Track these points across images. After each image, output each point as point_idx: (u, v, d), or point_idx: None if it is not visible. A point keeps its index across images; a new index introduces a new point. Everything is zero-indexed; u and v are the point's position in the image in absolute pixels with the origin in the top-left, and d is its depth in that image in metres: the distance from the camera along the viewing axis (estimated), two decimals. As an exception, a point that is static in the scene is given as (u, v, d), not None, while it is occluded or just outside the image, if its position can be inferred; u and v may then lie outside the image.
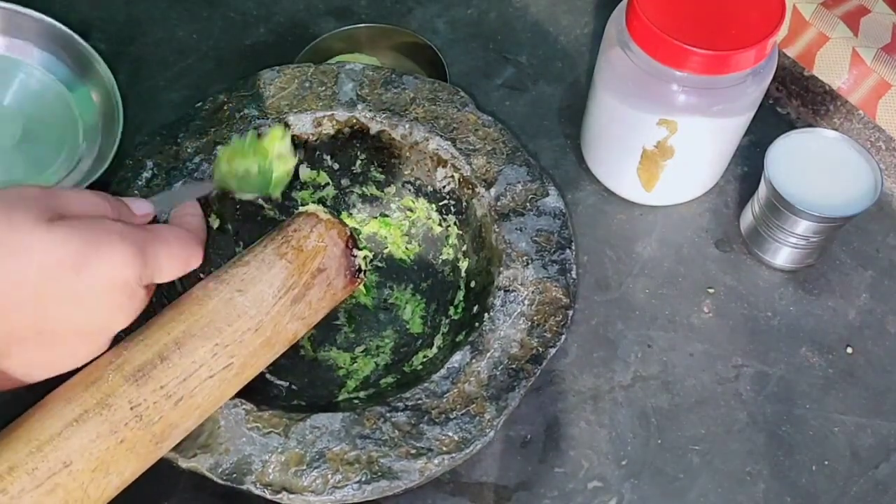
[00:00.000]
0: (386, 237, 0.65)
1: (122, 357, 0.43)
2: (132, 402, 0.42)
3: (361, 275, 0.52)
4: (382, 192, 0.65)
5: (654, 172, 0.65)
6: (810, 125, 0.72)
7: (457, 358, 0.51)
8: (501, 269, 0.55)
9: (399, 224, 0.65)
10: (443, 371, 0.50)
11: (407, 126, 0.61)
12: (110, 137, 0.66)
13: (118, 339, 0.50)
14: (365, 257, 0.53)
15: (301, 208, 0.52)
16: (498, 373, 0.50)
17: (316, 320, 0.50)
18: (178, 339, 0.44)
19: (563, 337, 0.52)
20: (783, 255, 0.64)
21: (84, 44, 0.68)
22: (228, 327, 0.45)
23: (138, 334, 0.44)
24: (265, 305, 0.47)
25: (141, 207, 0.47)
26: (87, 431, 0.40)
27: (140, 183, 0.57)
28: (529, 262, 0.55)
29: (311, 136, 0.62)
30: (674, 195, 0.68)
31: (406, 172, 0.63)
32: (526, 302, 0.53)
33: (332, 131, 0.62)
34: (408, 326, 0.61)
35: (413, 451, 0.47)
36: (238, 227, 0.63)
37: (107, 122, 0.67)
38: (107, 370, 0.42)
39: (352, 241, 0.52)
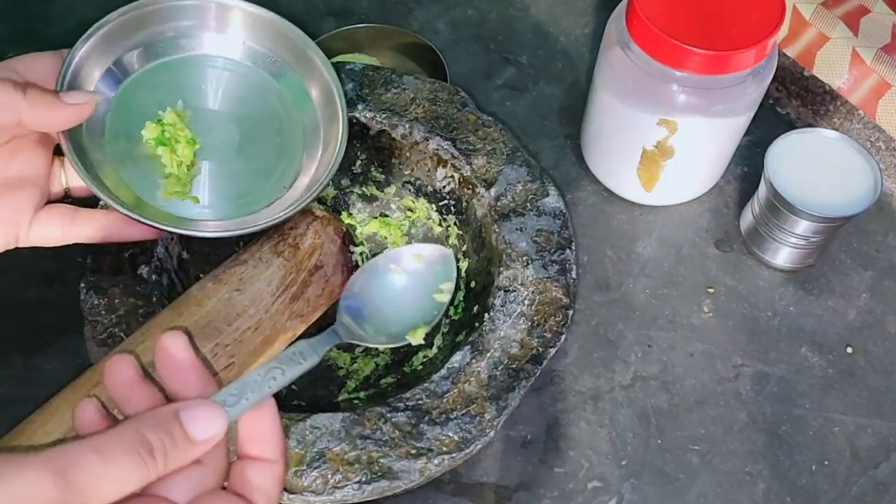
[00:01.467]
0: (386, 237, 0.65)
1: None
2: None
3: (355, 267, 0.52)
4: (382, 192, 0.65)
5: (654, 172, 0.65)
6: (810, 125, 0.72)
7: (457, 358, 0.51)
8: (501, 269, 0.55)
9: (399, 224, 0.65)
10: (443, 371, 0.50)
11: (407, 126, 0.61)
12: (331, 140, 0.54)
13: (118, 340, 0.50)
14: (362, 253, 0.53)
15: None
16: (498, 373, 0.50)
17: (314, 318, 0.50)
18: None
19: (564, 337, 0.52)
20: (783, 255, 0.64)
21: (299, 32, 0.55)
22: (228, 327, 0.45)
23: (139, 335, 0.44)
24: (264, 304, 0.47)
25: (206, 433, 0.34)
26: None
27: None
28: (529, 262, 0.55)
29: (311, 137, 0.62)
30: (674, 195, 0.68)
31: (406, 172, 0.63)
32: (526, 302, 0.53)
33: (332, 131, 0.62)
34: (408, 326, 0.61)
35: (413, 452, 0.47)
36: (238, 227, 0.63)
37: (327, 123, 0.55)
38: None
39: (348, 237, 0.52)
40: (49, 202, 0.49)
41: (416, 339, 0.49)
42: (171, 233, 0.48)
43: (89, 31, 0.49)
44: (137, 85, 0.51)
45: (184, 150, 0.50)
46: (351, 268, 0.52)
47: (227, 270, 0.48)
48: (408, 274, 0.50)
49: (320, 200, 0.65)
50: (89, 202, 0.50)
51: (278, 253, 0.48)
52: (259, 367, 0.45)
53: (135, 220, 0.46)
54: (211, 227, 0.49)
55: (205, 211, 0.50)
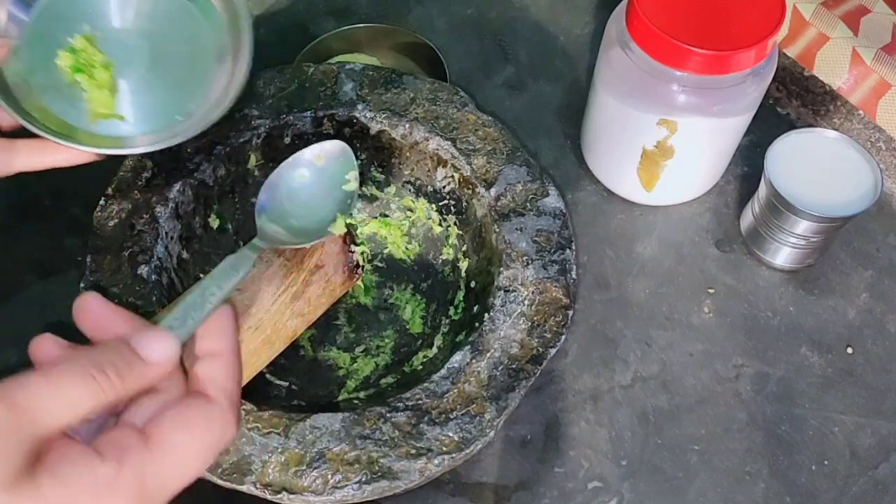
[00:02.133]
0: (386, 237, 0.65)
1: None
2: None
3: (359, 270, 0.52)
4: (382, 192, 0.65)
5: (654, 172, 0.65)
6: (810, 125, 0.72)
7: (457, 358, 0.51)
8: (501, 269, 0.55)
9: (399, 224, 0.65)
10: (443, 371, 0.50)
11: (407, 126, 0.61)
12: (239, 56, 0.55)
13: None
14: (363, 253, 0.53)
15: None
16: (498, 373, 0.50)
17: (315, 317, 0.50)
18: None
19: (563, 337, 0.52)
20: (783, 255, 0.64)
21: None
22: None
23: None
24: (265, 303, 0.47)
25: (158, 353, 0.34)
26: None
27: (140, 183, 0.57)
28: (529, 262, 0.55)
29: (311, 136, 0.62)
30: (674, 195, 0.68)
31: (406, 172, 0.63)
32: (526, 302, 0.53)
33: (332, 131, 0.62)
34: (408, 326, 0.61)
35: (413, 452, 0.47)
36: (238, 226, 0.63)
37: (234, 40, 0.55)
38: None
39: (349, 236, 0.52)
40: None
41: (338, 228, 0.49)
42: (101, 154, 0.50)
43: None
44: (45, 14, 0.53)
45: (101, 73, 0.52)
46: (352, 268, 0.52)
47: None
48: (313, 173, 0.51)
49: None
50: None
51: (279, 252, 0.48)
52: (254, 353, 0.46)
53: (66, 146, 0.48)
54: (141, 142, 0.52)
55: (132, 128, 0.53)
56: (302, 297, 0.49)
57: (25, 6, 0.53)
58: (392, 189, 0.64)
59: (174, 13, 0.56)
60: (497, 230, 0.56)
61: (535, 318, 0.52)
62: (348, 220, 0.63)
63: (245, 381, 0.46)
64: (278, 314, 0.47)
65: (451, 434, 0.48)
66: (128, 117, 0.53)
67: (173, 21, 0.56)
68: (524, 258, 0.55)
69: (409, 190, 0.64)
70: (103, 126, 0.52)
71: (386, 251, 0.65)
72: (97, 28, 0.54)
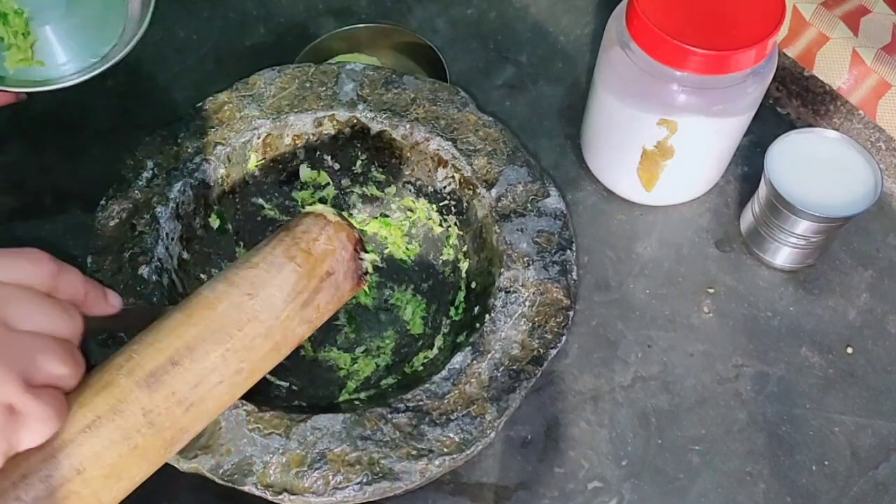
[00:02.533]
0: (386, 237, 0.65)
1: (133, 361, 0.42)
2: (144, 408, 0.41)
3: (367, 277, 0.52)
4: (383, 192, 0.65)
5: (654, 172, 0.65)
6: (810, 125, 0.72)
7: (458, 359, 0.51)
8: (502, 269, 0.55)
9: (399, 224, 0.65)
10: (444, 372, 0.50)
11: (407, 126, 0.60)
12: None
13: (118, 340, 0.50)
14: (373, 261, 0.52)
15: (308, 208, 0.52)
16: (499, 374, 0.50)
17: (321, 323, 0.50)
18: (189, 343, 0.43)
19: (564, 338, 0.52)
20: (783, 255, 0.64)
21: None
22: (239, 332, 0.45)
23: (147, 336, 0.44)
24: (275, 310, 0.47)
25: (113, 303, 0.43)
26: (100, 438, 0.40)
27: (141, 183, 0.57)
28: (530, 263, 0.55)
29: (311, 136, 0.62)
30: (674, 195, 0.68)
31: (407, 173, 0.63)
32: (527, 303, 0.53)
33: (332, 131, 0.62)
34: (408, 327, 0.61)
35: (414, 453, 0.47)
36: (238, 226, 0.63)
37: None
38: (118, 374, 0.41)
39: (360, 244, 0.51)
40: None
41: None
42: (21, 92, 0.56)
43: None
44: None
45: (15, 20, 0.56)
46: (361, 275, 0.52)
47: (238, 272, 0.47)
48: None
49: (322, 201, 0.65)
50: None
51: (290, 257, 0.48)
52: (263, 359, 0.46)
53: None
54: (62, 80, 0.57)
55: (54, 71, 0.58)
56: (311, 304, 0.48)
57: None
58: (392, 189, 0.64)
59: None
60: (498, 231, 0.56)
61: (536, 319, 0.52)
62: (356, 224, 0.64)
63: (251, 385, 0.46)
64: (288, 321, 0.47)
65: (451, 435, 0.48)
66: (52, 61, 0.58)
67: None
68: (525, 259, 0.55)
69: (410, 190, 0.64)
70: (25, 72, 0.57)
71: (386, 251, 0.65)
72: None
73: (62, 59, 0.59)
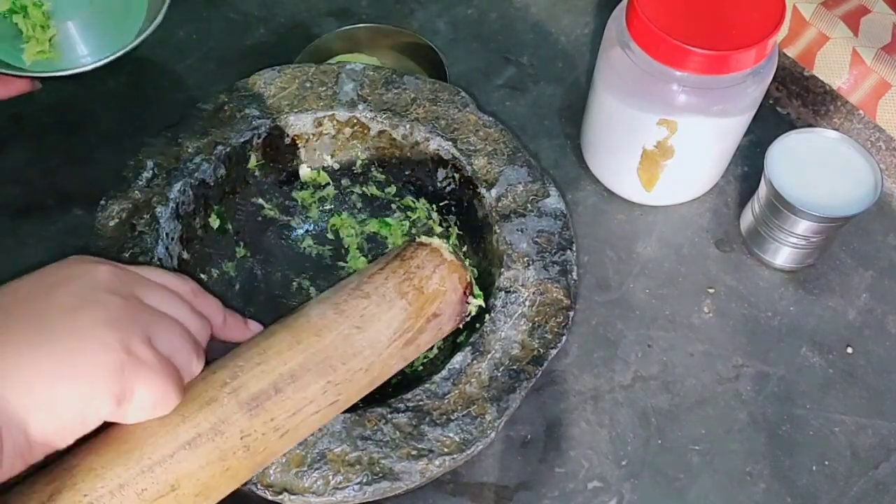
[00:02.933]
0: (386, 237, 0.65)
1: (238, 380, 0.42)
2: (243, 431, 0.41)
3: (467, 317, 0.52)
4: (383, 192, 0.65)
5: (655, 172, 0.65)
6: (810, 125, 0.72)
7: (458, 359, 0.51)
8: (502, 270, 0.55)
9: (399, 224, 0.65)
10: (444, 372, 0.50)
11: (408, 126, 0.61)
12: None
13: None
14: (478, 306, 0.52)
15: (423, 239, 0.52)
16: (499, 374, 0.50)
17: (415, 357, 0.50)
18: (294, 371, 0.43)
19: (564, 338, 0.52)
20: (783, 255, 0.64)
21: None
22: (343, 366, 0.45)
23: (252, 355, 0.44)
24: (379, 347, 0.47)
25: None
26: (198, 457, 0.40)
27: (141, 183, 0.57)
28: (530, 263, 0.55)
29: (311, 136, 0.62)
30: (674, 195, 0.68)
31: (407, 173, 0.63)
32: (527, 303, 0.53)
33: (332, 131, 0.62)
34: (408, 327, 0.61)
35: (414, 452, 0.47)
36: (238, 226, 0.63)
37: None
38: (222, 392, 0.42)
39: (470, 287, 0.51)
40: None
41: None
42: (38, 78, 0.58)
43: None
44: None
45: (34, 13, 0.58)
46: (464, 317, 0.52)
47: (349, 301, 0.47)
48: None
49: (322, 201, 0.65)
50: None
51: (402, 294, 0.48)
52: (358, 392, 0.47)
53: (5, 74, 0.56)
54: (76, 68, 0.60)
55: (73, 63, 0.60)
56: (413, 343, 0.48)
57: None
58: (392, 189, 0.64)
59: None
60: (498, 231, 0.56)
61: (536, 319, 0.52)
62: (349, 222, 0.64)
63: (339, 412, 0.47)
64: (389, 359, 0.47)
65: (452, 435, 0.48)
66: (71, 54, 0.61)
67: None
68: (525, 259, 0.55)
69: (410, 190, 0.64)
70: (41, 64, 0.59)
71: (386, 252, 0.65)
72: None
73: (82, 52, 0.61)
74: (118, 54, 0.60)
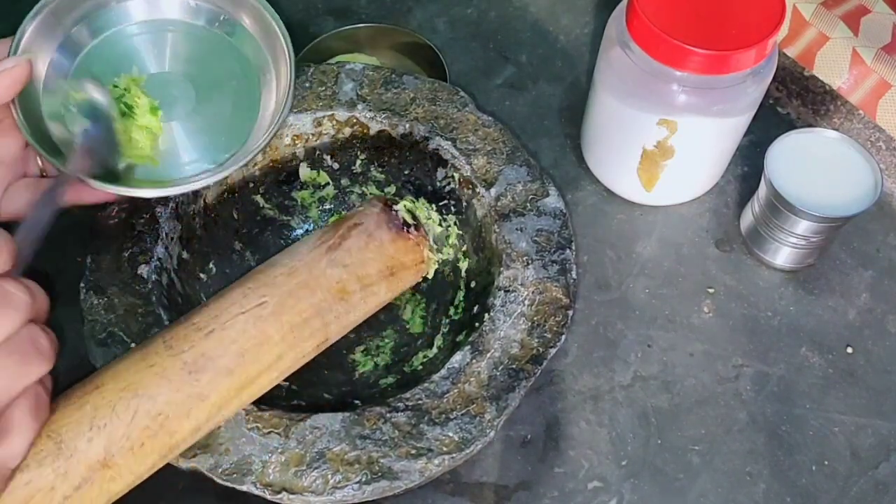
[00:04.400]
0: (386, 237, 0.65)
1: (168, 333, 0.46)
2: (164, 337, 0.45)
3: (412, 229, 0.54)
4: (383, 192, 0.65)
5: (655, 172, 0.65)
6: (810, 125, 0.72)
7: (457, 358, 0.51)
8: (502, 269, 0.54)
9: (399, 224, 0.65)
10: (443, 371, 0.50)
11: (407, 126, 0.60)
12: (282, 69, 0.55)
13: (117, 339, 0.50)
14: (409, 210, 0.53)
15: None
16: (498, 373, 0.50)
17: (364, 270, 0.51)
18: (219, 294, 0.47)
19: (564, 337, 0.52)
20: (783, 255, 0.64)
21: None
22: (259, 274, 0.48)
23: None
24: (298, 255, 0.50)
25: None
26: (122, 363, 0.44)
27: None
28: (529, 262, 0.55)
29: (311, 136, 0.62)
30: (674, 195, 0.68)
31: (406, 172, 0.63)
32: (526, 302, 0.53)
33: (332, 131, 0.62)
34: (408, 326, 0.61)
35: (413, 452, 0.47)
36: (238, 226, 0.63)
37: (274, 55, 0.55)
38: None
39: (387, 202, 0.54)
40: None
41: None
42: (131, 197, 0.51)
43: (35, 10, 0.51)
44: (91, 58, 0.53)
45: (144, 115, 0.52)
46: (399, 224, 0.53)
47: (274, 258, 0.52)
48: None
49: (321, 201, 0.65)
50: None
51: (320, 229, 0.53)
52: (290, 294, 0.48)
53: (93, 187, 0.49)
54: (182, 182, 0.52)
55: (175, 171, 0.53)
56: (339, 248, 0.50)
57: (71, 54, 0.53)
58: (392, 189, 0.64)
59: (216, 51, 0.56)
60: (497, 230, 0.56)
61: (536, 319, 0.52)
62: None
63: (290, 323, 0.48)
64: (313, 262, 0.49)
65: (451, 434, 0.48)
66: (173, 160, 0.53)
67: (216, 60, 0.56)
68: (524, 258, 0.55)
69: (409, 190, 0.64)
70: (139, 170, 0.52)
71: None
72: (143, 71, 0.54)
73: (185, 160, 0.53)
74: (245, 160, 0.52)
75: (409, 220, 0.53)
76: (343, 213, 0.65)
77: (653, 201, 0.68)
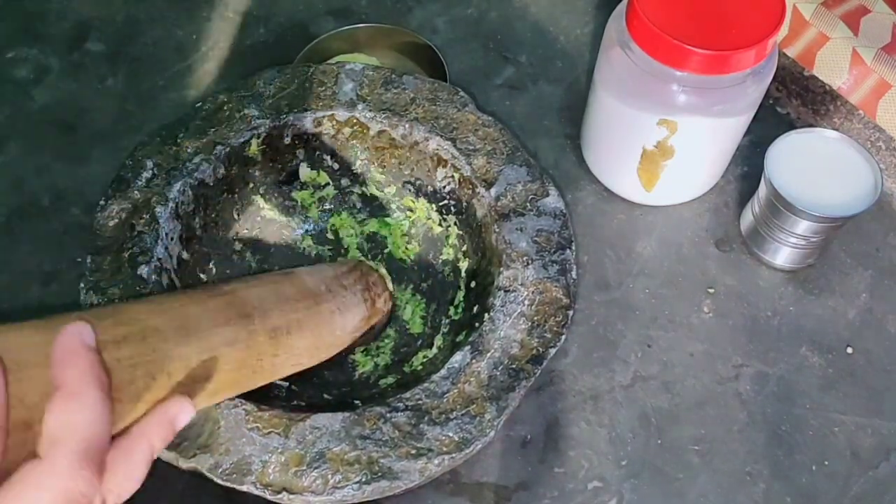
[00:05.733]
0: (386, 237, 0.65)
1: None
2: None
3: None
4: (382, 192, 0.65)
5: (655, 172, 0.65)
6: (810, 125, 0.72)
7: (457, 358, 0.51)
8: (501, 269, 0.54)
9: (399, 224, 0.65)
10: (443, 371, 0.50)
11: (407, 126, 0.60)
12: None
13: None
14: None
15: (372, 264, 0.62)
16: (498, 373, 0.50)
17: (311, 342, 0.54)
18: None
19: (563, 337, 0.52)
20: (783, 254, 0.64)
21: None
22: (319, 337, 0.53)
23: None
24: (346, 330, 0.55)
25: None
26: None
27: (140, 183, 0.57)
28: (529, 262, 0.55)
29: (311, 136, 0.62)
30: (674, 195, 0.68)
31: (406, 172, 0.63)
32: (526, 302, 0.53)
33: (332, 131, 0.62)
34: (408, 326, 0.61)
35: (413, 452, 0.47)
36: (238, 226, 0.63)
37: None
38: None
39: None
40: None
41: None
42: None
43: None
44: None
45: None
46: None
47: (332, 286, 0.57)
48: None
49: (321, 201, 0.65)
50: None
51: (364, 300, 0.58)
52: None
53: None
54: None
55: None
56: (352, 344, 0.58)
57: None
58: (392, 189, 0.64)
59: None
60: (497, 230, 0.56)
61: (535, 318, 0.52)
62: (347, 221, 0.65)
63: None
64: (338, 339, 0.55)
65: (451, 434, 0.48)
66: None
67: None
68: (524, 258, 0.55)
69: (409, 190, 0.64)
70: None
71: (386, 251, 0.65)
72: None
73: None
74: None
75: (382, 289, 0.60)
76: (342, 213, 0.65)
77: (653, 201, 0.68)
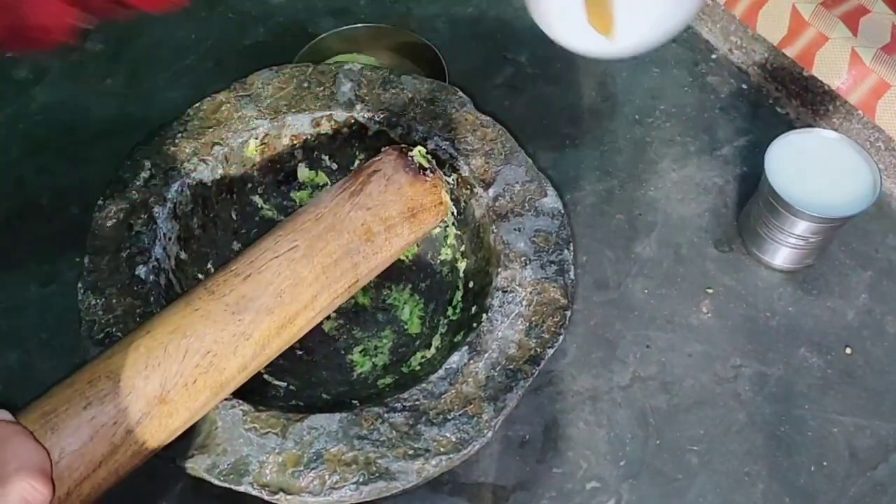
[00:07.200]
0: (384, 237, 0.65)
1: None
2: (205, 285, 0.47)
3: (428, 172, 0.55)
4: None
5: (605, 9, 0.53)
6: (810, 125, 0.72)
7: (455, 359, 0.51)
8: (500, 269, 0.54)
9: (397, 224, 0.65)
10: (441, 372, 0.50)
11: (405, 126, 0.60)
12: None
13: (115, 339, 0.50)
14: (423, 154, 0.55)
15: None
16: (496, 373, 0.50)
17: (387, 212, 0.53)
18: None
19: (561, 337, 0.52)
20: (782, 255, 0.64)
21: None
22: (288, 223, 0.50)
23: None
24: (323, 203, 0.52)
25: None
26: (168, 310, 0.46)
27: (138, 183, 0.57)
28: (527, 262, 0.55)
29: (309, 137, 0.62)
30: (640, 36, 0.55)
31: (405, 172, 0.63)
32: (524, 302, 0.53)
33: (330, 131, 0.62)
34: (406, 327, 0.61)
35: (411, 452, 0.47)
36: (236, 226, 0.63)
37: None
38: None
39: (405, 149, 0.55)
40: None
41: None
42: None
43: None
44: None
45: None
46: (416, 168, 0.54)
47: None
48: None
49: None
50: None
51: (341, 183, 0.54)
52: (318, 237, 0.50)
53: None
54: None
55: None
56: (361, 192, 0.52)
57: None
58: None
59: None
60: (495, 230, 0.56)
61: (533, 319, 0.52)
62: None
63: (321, 265, 0.50)
64: (337, 206, 0.51)
65: (448, 435, 0.48)
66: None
67: None
68: (522, 258, 0.55)
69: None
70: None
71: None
72: None
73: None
74: None
75: (425, 164, 0.54)
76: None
77: (622, 51, 0.56)
